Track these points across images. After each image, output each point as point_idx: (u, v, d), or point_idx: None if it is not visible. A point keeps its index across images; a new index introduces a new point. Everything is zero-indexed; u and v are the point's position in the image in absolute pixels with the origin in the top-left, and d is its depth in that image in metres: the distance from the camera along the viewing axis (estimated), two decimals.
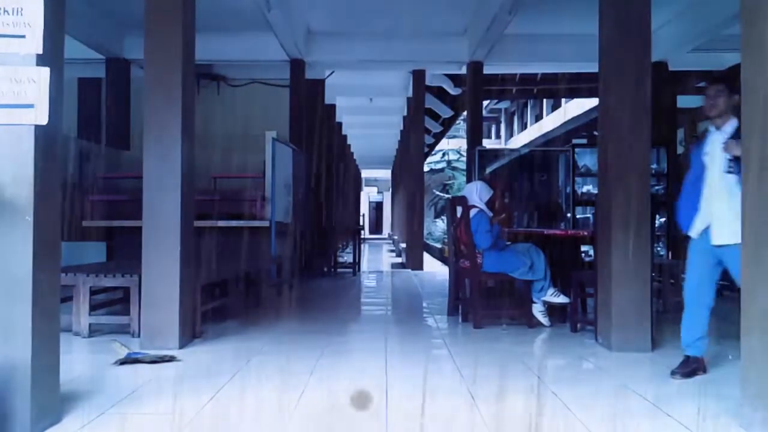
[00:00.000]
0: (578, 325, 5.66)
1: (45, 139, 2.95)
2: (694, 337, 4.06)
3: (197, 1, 5.11)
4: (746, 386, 3.10)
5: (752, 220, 3.10)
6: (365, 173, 36.40)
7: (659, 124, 9.55)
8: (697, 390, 3.77)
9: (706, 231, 3.96)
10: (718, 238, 3.87)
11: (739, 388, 3.17)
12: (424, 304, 7.64)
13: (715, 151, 3.93)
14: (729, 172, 3.81)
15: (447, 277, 7.18)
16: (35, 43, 2.87)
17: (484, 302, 6.09)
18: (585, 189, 10.41)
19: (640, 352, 4.61)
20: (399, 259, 16.28)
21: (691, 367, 4.04)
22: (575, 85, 14.00)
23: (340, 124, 17.79)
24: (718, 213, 3.88)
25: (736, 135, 3.76)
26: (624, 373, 4.18)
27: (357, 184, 30.60)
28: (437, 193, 29.16)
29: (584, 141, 16.43)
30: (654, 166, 9.16)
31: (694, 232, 4.03)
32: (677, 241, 10.27)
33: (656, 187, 9.52)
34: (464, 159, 16.73)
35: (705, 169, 4.00)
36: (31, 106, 2.86)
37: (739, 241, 3.23)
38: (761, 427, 2.94)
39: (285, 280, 8.76)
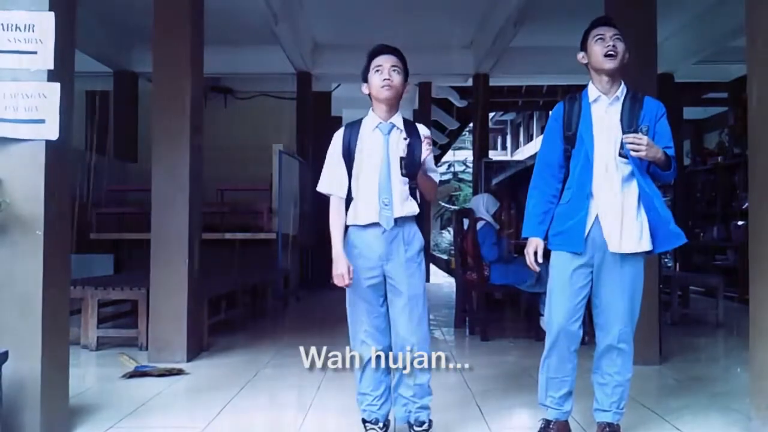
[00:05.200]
0: (586, 338, 5.63)
1: (55, 153, 2.98)
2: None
3: (205, 15, 5.15)
4: (755, 400, 3.09)
5: (761, 232, 3.10)
6: None
7: None
8: (706, 403, 3.75)
9: None
10: None
11: (748, 402, 3.16)
12: (431, 316, 7.62)
13: None
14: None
15: (453, 289, 7.18)
16: (46, 59, 2.91)
17: (491, 315, 6.08)
18: None
19: (648, 366, 4.59)
20: None
21: None
22: None
23: None
24: None
25: None
26: (632, 386, 4.15)
27: None
28: (443, 204, 29.14)
29: None
30: None
31: None
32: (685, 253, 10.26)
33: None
34: (470, 170, 16.74)
35: None
36: (41, 121, 2.89)
37: None
38: None
39: (292, 292, 8.77)
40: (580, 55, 3.00)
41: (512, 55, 10.07)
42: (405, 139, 2.93)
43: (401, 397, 2.99)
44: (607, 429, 2.96)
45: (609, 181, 2.89)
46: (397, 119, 2.98)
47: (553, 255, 3.04)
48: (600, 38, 2.91)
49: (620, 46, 2.90)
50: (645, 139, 2.75)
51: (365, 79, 2.99)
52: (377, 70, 2.91)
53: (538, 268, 3.04)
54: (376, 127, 2.96)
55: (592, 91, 2.98)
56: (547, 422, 3.04)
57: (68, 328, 3.24)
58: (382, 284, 2.97)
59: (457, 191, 29.83)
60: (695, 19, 8.93)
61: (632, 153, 2.76)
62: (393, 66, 2.91)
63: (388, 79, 2.89)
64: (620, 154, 2.85)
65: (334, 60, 10.80)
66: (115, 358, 4.68)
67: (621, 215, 2.88)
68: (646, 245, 2.92)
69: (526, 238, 3.07)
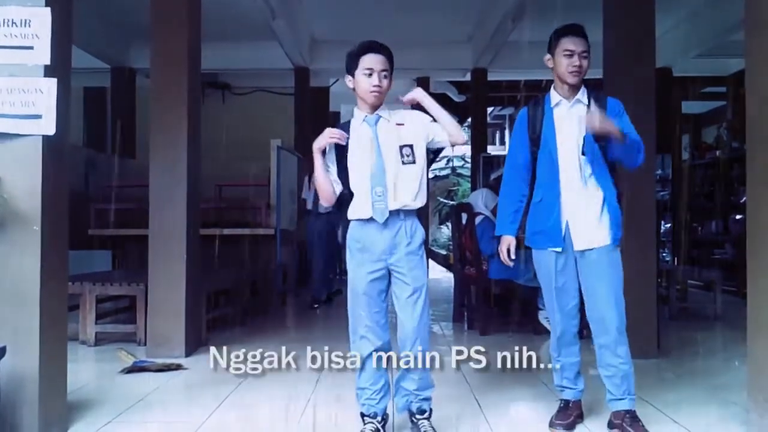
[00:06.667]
0: (584, 332, 5.62)
1: (52, 149, 2.97)
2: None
3: (202, 10, 5.14)
4: (753, 393, 3.09)
5: (759, 226, 3.10)
6: None
7: (664, 129, 9.55)
8: (704, 397, 3.76)
9: None
10: None
11: (746, 395, 3.16)
12: (430, 311, 7.61)
13: None
14: None
15: (452, 284, 7.18)
16: (43, 55, 2.90)
17: (489, 309, 6.08)
18: None
19: (646, 359, 4.59)
20: None
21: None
22: None
23: None
24: None
25: None
26: None
27: None
28: (441, 199, 29.14)
29: None
30: (659, 171, 9.16)
31: None
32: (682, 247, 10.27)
33: (661, 193, 9.51)
34: (469, 165, 16.72)
35: None
36: (38, 116, 2.89)
37: None
38: None
39: (290, 288, 8.76)
40: (547, 57, 3.13)
41: (511, 49, 10.06)
42: (398, 124, 2.97)
43: (403, 389, 3.01)
44: (627, 416, 3.04)
45: (573, 180, 3.07)
46: (383, 111, 3.00)
47: (536, 254, 3.22)
48: (568, 54, 3.05)
49: (585, 65, 3.06)
50: (597, 112, 2.86)
51: (350, 73, 2.98)
52: (367, 74, 2.92)
53: (511, 263, 3.23)
54: (363, 120, 2.99)
55: (554, 96, 3.15)
56: (566, 402, 3.25)
57: (66, 323, 3.24)
58: (385, 278, 2.99)
59: (456, 186, 29.85)
60: (694, 13, 8.92)
61: (588, 127, 2.89)
62: (383, 71, 2.93)
63: (378, 86, 2.92)
64: (583, 153, 3.03)
65: (331, 55, 10.76)
66: (114, 354, 4.67)
67: (585, 213, 3.07)
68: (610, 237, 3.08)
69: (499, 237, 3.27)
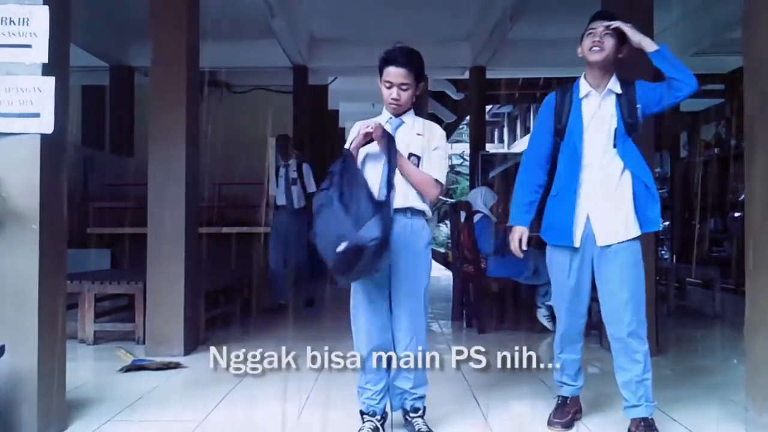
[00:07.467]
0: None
1: (51, 147, 2.97)
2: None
3: (201, 8, 5.13)
4: (751, 391, 3.09)
5: (757, 223, 3.10)
6: None
7: (663, 127, 9.56)
8: (703, 394, 3.76)
9: None
10: None
11: (744, 393, 3.16)
12: (429, 309, 7.59)
13: None
14: None
15: (451, 282, 7.18)
16: (41, 53, 2.90)
17: (488, 307, 6.09)
18: None
19: None
20: None
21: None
22: None
23: (343, 130, 17.81)
24: None
25: None
26: None
27: None
28: (440, 197, 29.17)
29: None
30: (657, 169, 9.16)
31: None
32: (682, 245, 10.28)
33: (660, 191, 9.51)
34: (467, 163, 16.73)
35: None
36: (36, 115, 2.88)
37: None
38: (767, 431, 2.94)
39: (289, 286, 8.75)
40: (579, 49, 3.02)
41: (509, 47, 10.05)
42: (418, 134, 2.99)
43: (397, 388, 3.02)
44: (642, 424, 2.92)
45: (600, 175, 2.96)
46: (408, 117, 3.03)
47: (550, 251, 3.11)
48: (591, 33, 2.96)
49: (609, 42, 2.94)
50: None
51: (380, 77, 3.01)
52: (387, 86, 2.96)
53: (521, 255, 3.11)
54: (387, 122, 3.02)
55: (583, 85, 3.03)
56: (564, 399, 3.20)
57: (65, 322, 3.24)
58: (388, 276, 2.98)
59: (455, 184, 29.82)
60: (692, 11, 8.92)
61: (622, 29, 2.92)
62: (402, 84, 2.95)
63: (396, 99, 2.96)
64: (614, 145, 2.93)
65: (330, 54, 10.77)
66: (113, 353, 4.67)
67: (611, 208, 2.95)
68: (636, 231, 2.97)
69: (511, 227, 3.15)
